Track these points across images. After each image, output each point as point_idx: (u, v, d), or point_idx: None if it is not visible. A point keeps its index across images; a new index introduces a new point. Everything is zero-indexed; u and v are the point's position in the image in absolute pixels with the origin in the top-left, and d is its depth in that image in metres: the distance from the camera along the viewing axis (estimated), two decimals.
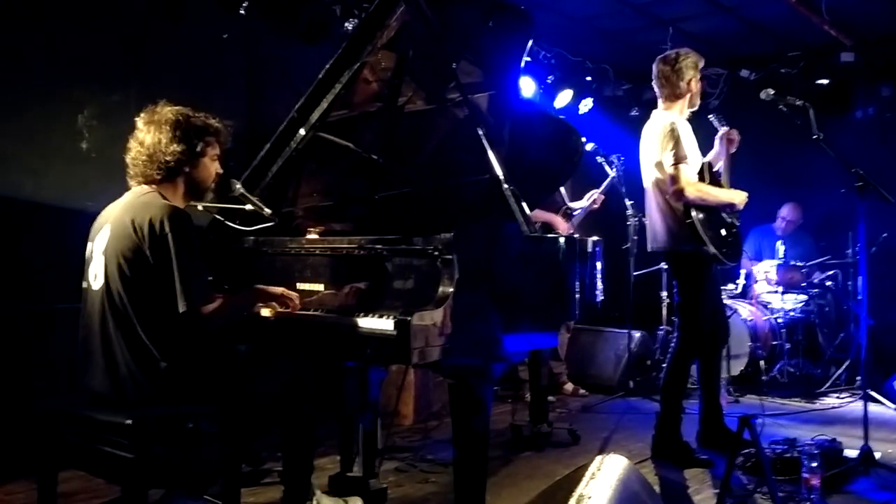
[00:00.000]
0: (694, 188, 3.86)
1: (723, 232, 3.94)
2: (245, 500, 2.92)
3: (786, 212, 7.00)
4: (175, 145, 2.62)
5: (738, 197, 4.01)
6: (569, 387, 6.00)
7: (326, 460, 3.77)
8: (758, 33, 6.60)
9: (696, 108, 4.13)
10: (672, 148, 3.84)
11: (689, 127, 4.06)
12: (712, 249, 3.83)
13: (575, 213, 5.71)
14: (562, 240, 2.98)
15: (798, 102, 3.84)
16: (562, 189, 5.59)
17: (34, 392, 2.70)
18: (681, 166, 3.83)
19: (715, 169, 4.11)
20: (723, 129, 4.14)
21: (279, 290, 2.78)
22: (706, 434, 4.11)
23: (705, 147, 4.21)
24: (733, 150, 4.14)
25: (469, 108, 3.01)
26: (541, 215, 5.30)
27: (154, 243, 2.45)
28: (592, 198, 5.78)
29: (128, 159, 2.67)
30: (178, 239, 2.46)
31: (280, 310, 2.77)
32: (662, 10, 6.20)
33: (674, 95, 4.03)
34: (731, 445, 3.20)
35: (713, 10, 6.13)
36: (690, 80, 4.02)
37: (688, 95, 4.04)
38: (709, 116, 4.22)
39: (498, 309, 2.62)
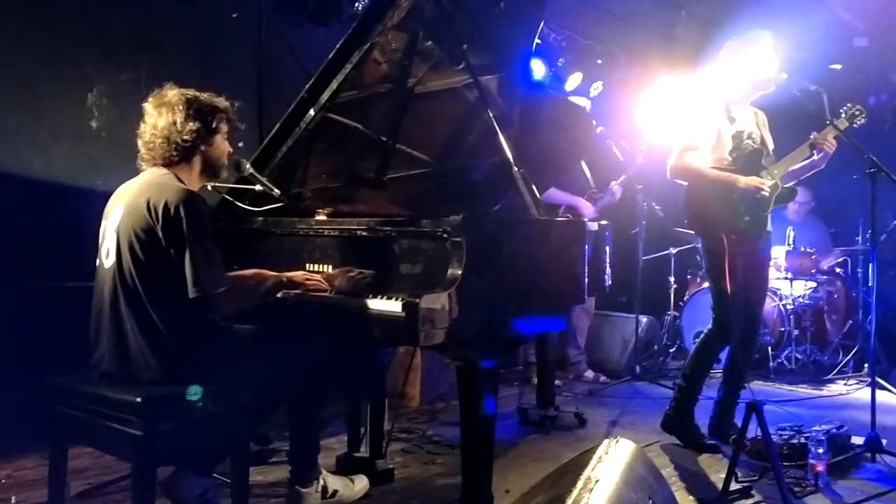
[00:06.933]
0: (678, 168, 3.88)
1: (726, 216, 3.79)
2: (253, 479, 2.94)
3: (797, 196, 6.96)
4: (191, 124, 2.63)
5: (743, 181, 3.76)
6: (589, 374, 5.90)
7: (334, 440, 3.79)
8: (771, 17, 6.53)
9: (765, 90, 3.91)
10: (688, 132, 3.83)
11: (746, 109, 3.96)
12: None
13: (600, 198, 5.59)
14: (570, 223, 2.97)
15: (812, 87, 3.79)
16: (586, 171, 5.51)
17: (44, 369, 2.72)
18: (681, 149, 3.86)
19: (779, 160, 3.95)
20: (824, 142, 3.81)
21: (301, 275, 2.80)
22: (716, 425, 4.08)
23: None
24: (821, 153, 3.85)
25: (479, 90, 3.00)
26: (566, 198, 5.16)
27: (167, 226, 2.46)
28: (617, 184, 5.64)
29: (141, 145, 2.67)
30: (191, 224, 2.46)
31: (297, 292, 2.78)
32: None
33: (728, 72, 3.90)
34: (738, 435, 3.21)
35: None
36: (746, 60, 3.82)
37: (744, 76, 3.86)
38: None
39: (506, 292, 2.61)
